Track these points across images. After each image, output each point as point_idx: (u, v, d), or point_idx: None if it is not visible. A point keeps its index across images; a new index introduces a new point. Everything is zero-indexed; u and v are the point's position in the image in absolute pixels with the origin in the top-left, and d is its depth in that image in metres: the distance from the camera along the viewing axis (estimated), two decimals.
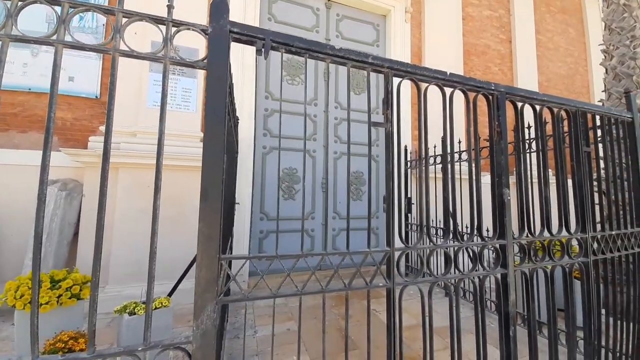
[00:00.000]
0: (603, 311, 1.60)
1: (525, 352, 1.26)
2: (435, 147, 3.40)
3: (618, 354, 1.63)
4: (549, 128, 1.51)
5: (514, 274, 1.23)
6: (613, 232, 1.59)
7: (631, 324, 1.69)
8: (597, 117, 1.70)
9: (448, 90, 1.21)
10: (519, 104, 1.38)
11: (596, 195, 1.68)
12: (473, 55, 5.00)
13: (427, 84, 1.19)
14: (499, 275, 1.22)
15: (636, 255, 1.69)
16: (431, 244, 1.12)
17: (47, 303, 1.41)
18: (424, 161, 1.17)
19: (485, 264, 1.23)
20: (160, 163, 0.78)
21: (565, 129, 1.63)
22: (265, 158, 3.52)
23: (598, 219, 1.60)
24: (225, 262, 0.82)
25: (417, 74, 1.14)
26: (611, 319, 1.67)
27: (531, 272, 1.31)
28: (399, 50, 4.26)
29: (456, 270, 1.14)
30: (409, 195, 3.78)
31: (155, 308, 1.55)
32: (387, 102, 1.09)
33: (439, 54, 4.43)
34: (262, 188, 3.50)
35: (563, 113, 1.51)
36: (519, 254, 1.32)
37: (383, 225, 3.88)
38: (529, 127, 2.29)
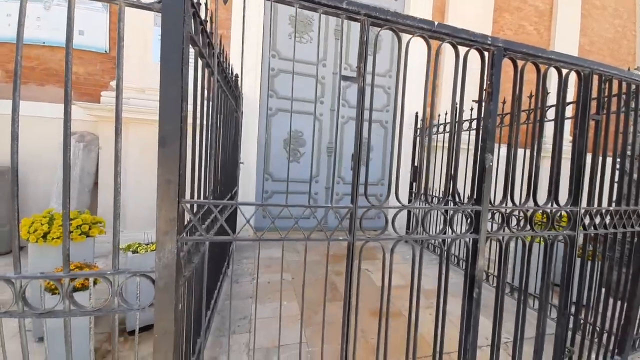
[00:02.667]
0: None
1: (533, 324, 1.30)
2: (446, 114, 3.23)
3: (599, 329, 1.63)
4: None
5: (488, 241, 1.23)
6: (611, 208, 1.50)
7: (619, 302, 1.66)
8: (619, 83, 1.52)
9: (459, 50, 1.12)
10: (520, 63, 1.26)
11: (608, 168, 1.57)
12: (505, 12, 4.46)
13: (410, 36, 1.10)
14: (470, 240, 1.22)
15: (635, 234, 1.61)
16: (400, 204, 1.13)
17: (58, 237, 1.60)
18: (398, 126, 1.13)
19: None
20: (120, 111, 0.82)
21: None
22: (270, 119, 3.52)
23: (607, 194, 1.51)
24: (186, 205, 0.88)
25: (399, 23, 1.05)
26: (602, 296, 1.65)
27: (508, 240, 1.30)
28: (420, 4, 3.89)
29: (423, 232, 1.16)
30: (415, 164, 3.70)
31: (147, 251, 1.72)
32: (361, 54, 1.03)
33: (465, 9, 4.00)
34: (267, 150, 3.55)
35: (575, 75, 1.36)
36: (497, 222, 1.30)
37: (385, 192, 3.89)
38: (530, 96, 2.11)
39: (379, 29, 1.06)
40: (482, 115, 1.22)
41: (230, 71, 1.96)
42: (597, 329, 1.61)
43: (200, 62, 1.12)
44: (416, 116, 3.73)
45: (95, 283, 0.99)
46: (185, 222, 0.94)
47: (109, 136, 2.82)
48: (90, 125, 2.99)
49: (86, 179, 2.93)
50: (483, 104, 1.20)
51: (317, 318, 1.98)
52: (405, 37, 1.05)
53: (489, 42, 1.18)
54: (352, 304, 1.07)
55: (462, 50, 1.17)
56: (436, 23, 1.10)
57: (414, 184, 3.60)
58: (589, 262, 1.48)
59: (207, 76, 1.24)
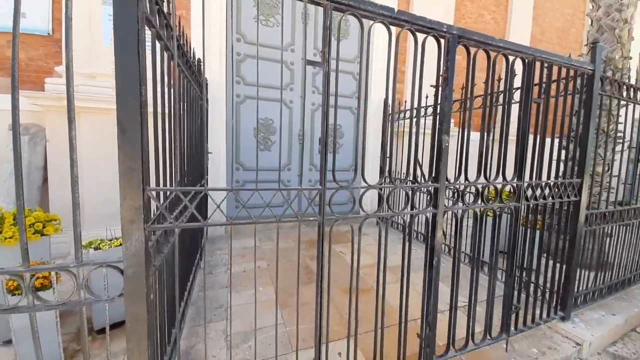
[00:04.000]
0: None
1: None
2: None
3: (543, 288, 1.87)
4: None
5: (445, 214, 1.35)
6: (551, 181, 1.70)
7: (558, 264, 1.91)
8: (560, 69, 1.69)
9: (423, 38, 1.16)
10: (473, 50, 1.35)
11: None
12: (467, 1, 4.65)
13: (372, 22, 1.14)
14: (430, 215, 1.33)
15: (571, 204, 1.84)
16: (366, 184, 1.19)
17: (11, 237, 1.48)
18: (362, 110, 1.17)
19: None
20: (72, 97, 0.77)
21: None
22: (239, 107, 3.42)
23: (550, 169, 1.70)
24: (152, 193, 0.87)
25: (361, 8, 1.08)
26: (543, 260, 1.88)
27: (462, 214, 1.42)
28: None
29: (388, 209, 1.24)
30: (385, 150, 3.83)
31: (120, 245, 1.65)
32: (325, 39, 1.05)
33: None
34: (236, 138, 3.47)
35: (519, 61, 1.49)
36: (453, 198, 1.42)
37: (357, 178, 4.01)
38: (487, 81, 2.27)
39: (342, 14, 1.08)
40: (439, 100, 1.30)
41: (191, 55, 1.88)
42: (540, 288, 1.84)
43: (158, 45, 1.07)
44: (385, 103, 3.83)
45: (57, 281, 0.95)
46: (153, 211, 0.93)
47: (56, 127, 2.58)
48: (35, 115, 2.71)
49: (34, 175, 2.68)
50: (440, 88, 1.28)
51: (293, 301, 2.05)
52: (370, 24, 1.09)
53: (444, 29, 1.25)
54: (324, 281, 1.13)
55: (421, 37, 1.23)
56: (396, 10, 1.14)
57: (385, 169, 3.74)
58: (532, 231, 1.67)
59: (167, 60, 1.19)
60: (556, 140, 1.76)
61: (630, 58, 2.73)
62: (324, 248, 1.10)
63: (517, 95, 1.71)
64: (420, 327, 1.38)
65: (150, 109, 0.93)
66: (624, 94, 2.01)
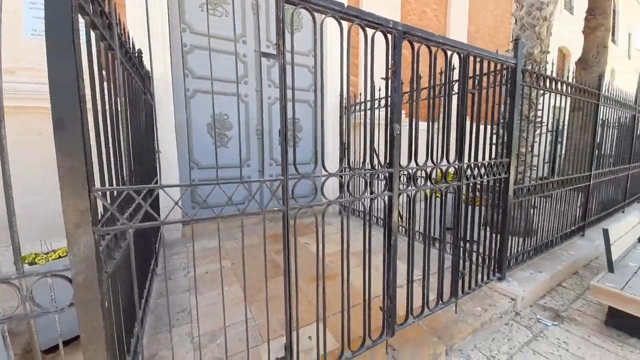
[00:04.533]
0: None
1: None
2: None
3: (483, 255, 2.13)
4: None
5: (400, 197, 1.46)
6: (485, 162, 1.93)
7: (494, 234, 2.18)
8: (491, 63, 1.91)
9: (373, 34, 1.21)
10: (416, 45, 1.47)
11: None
12: None
13: (324, 16, 1.17)
14: (386, 198, 1.43)
15: (502, 181, 2.11)
16: (327, 173, 1.24)
17: None
18: (319, 100, 1.21)
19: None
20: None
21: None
22: (189, 102, 3.23)
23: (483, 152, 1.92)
24: (98, 194, 0.81)
25: (312, 2, 1.11)
26: (482, 232, 2.14)
27: (414, 195, 1.56)
28: None
29: (349, 195, 1.30)
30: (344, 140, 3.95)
31: (59, 257, 1.49)
32: (278, 31, 1.06)
33: None
34: (188, 135, 3.28)
35: (456, 56, 1.66)
36: (406, 182, 1.54)
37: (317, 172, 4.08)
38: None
39: (294, 7, 1.09)
40: (389, 91, 1.40)
41: (131, 46, 1.73)
42: (481, 255, 2.10)
43: (93, 35, 0.98)
44: (341, 95, 3.93)
45: None
46: (100, 214, 0.86)
47: None
48: None
49: None
50: (389, 81, 1.38)
51: (261, 295, 2.05)
52: (321, 17, 1.12)
53: (390, 25, 1.33)
54: (291, 269, 1.16)
55: (371, 32, 1.30)
56: (346, 5, 1.19)
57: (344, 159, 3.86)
58: (473, 207, 1.89)
59: (104, 51, 1.09)
60: (489, 127, 2.01)
61: (548, 52, 3.17)
62: (290, 238, 1.13)
63: (457, 88, 1.90)
64: (382, 301, 1.50)
65: (88, 105, 0.86)
66: (541, 84, 2.34)
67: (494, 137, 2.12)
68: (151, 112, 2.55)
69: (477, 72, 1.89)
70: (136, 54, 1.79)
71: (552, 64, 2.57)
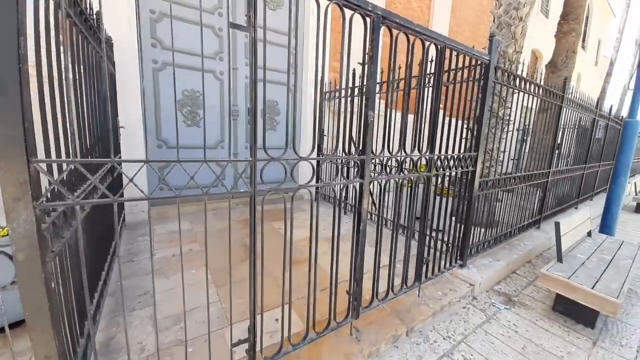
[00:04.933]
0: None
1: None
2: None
3: (447, 243, 2.25)
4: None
5: (371, 184, 1.48)
6: (455, 154, 2.00)
7: (458, 224, 2.30)
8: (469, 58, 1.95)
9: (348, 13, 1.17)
10: (395, 32, 1.45)
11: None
12: None
13: None
14: (357, 185, 1.45)
15: (469, 174, 2.21)
16: (298, 157, 1.22)
17: None
18: (293, 82, 1.17)
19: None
20: None
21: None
22: (157, 75, 3.02)
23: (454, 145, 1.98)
24: (40, 166, 0.73)
25: None
26: (448, 221, 2.25)
27: (385, 183, 1.59)
28: None
29: (319, 180, 1.30)
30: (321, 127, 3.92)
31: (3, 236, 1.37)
32: (250, 2, 1.00)
33: None
34: (156, 111, 3.09)
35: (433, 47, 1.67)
36: (378, 170, 1.56)
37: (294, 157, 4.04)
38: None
39: None
40: (365, 77, 1.38)
41: (87, 6, 1.56)
42: (446, 243, 2.21)
43: None
44: (315, 80, 3.86)
45: None
46: (46, 188, 0.79)
47: None
48: None
49: None
50: (366, 66, 1.36)
51: (229, 278, 2.03)
52: None
53: (369, 8, 1.30)
54: (257, 252, 1.14)
55: (349, 14, 1.27)
56: None
57: (316, 145, 3.84)
58: (441, 197, 1.96)
59: (54, 9, 0.97)
60: (461, 121, 2.07)
61: (521, 52, 3.29)
62: (257, 221, 1.11)
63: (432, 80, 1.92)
64: (349, 285, 1.54)
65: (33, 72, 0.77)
66: (512, 82, 2.43)
67: (465, 131, 2.20)
68: (108, 80, 2.36)
69: (453, 67, 1.93)
70: (94, 16, 1.62)
71: (524, 64, 2.68)
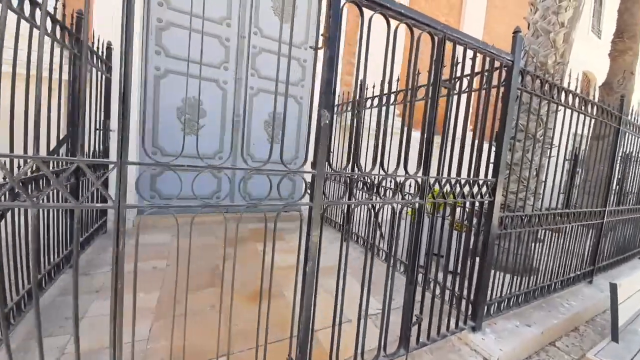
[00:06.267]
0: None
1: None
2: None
3: (454, 294, 1.72)
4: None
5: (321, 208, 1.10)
6: (461, 178, 1.53)
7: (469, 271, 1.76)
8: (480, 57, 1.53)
9: None
10: (367, 12, 1.12)
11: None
12: (422, 1, 4.60)
13: None
14: (345, 207, 1.07)
15: (484, 205, 1.70)
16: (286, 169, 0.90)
17: None
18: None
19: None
20: None
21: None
22: (158, 82, 2.98)
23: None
24: None
25: None
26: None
27: (354, 207, 1.19)
28: None
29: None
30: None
31: None
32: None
33: None
34: (154, 117, 3.02)
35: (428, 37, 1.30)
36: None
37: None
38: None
39: None
40: (322, 65, 1.05)
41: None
42: (452, 293, 1.69)
43: None
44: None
45: None
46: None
47: None
48: None
49: None
50: (319, 51, 1.03)
51: (180, 308, 1.71)
52: None
53: None
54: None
55: None
56: None
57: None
58: (450, 229, 1.49)
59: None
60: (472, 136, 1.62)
61: (566, 65, 2.73)
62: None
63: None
64: (289, 347, 1.12)
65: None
66: (548, 93, 1.91)
67: (476, 151, 1.72)
68: (102, 84, 2.31)
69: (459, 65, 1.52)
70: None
71: (577, 79, 2.16)
